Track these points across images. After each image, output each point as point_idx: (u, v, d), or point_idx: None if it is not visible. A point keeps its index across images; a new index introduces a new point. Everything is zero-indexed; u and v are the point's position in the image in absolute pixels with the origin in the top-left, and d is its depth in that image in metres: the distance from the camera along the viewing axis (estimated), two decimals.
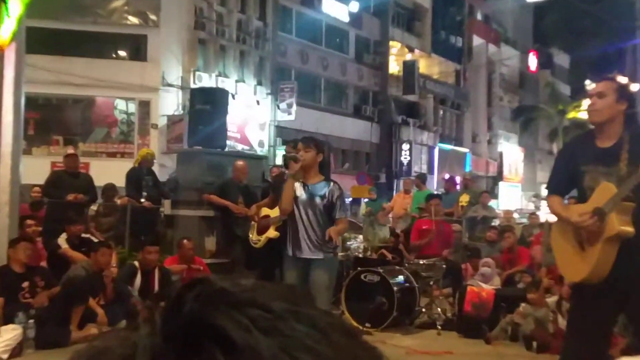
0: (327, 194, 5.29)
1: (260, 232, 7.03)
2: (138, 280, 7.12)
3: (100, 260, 6.92)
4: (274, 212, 6.85)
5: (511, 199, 37.04)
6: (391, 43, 31.04)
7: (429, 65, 33.44)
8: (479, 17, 38.09)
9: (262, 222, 7.01)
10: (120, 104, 21.41)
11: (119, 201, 9.81)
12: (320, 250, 5.29)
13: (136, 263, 7.29)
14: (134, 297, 6.94)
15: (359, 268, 7.94)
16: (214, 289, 0.49)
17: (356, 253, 9.57)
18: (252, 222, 7.25)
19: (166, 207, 9.59)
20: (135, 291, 7.04)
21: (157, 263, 7.30)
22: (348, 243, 10.01)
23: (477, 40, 36.95)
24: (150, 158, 9.78)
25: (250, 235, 7.21)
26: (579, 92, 39.25)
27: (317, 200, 5.30)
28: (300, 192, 5.35)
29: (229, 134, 15.95)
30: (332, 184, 5.35)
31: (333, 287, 5.65)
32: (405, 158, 30.62)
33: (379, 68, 30.35)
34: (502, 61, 39.14)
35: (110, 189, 9.92)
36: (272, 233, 6.85)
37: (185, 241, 7.84)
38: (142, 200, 9.54)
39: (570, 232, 3.54)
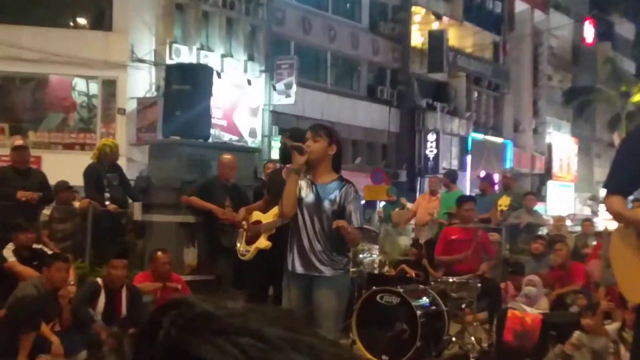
0: (337, 198, 5.30)
1: (250, 241, 7.03)
2: (101, 301, 7.13)
3: (55, 277, 6.94)
4: (268, 217, 6.85)
5: (562, 201, 36.99)
6: (414, 9, 31.01)
7: (460, 36, 33.41)
8: None
9: (253, 229, 7.01)
10: (80, 84, 21.43)
11: (77, 204, 9.82)
12: (327, 266, 5.29)
13: (99, 280, 7.31)
14: (96, 322, 6.96)
15: (374, 287, 7.94)
16: (195, 312, 0.49)
17: (370, 268, 9.57)
18: (240, 229, 7.26)
19: (136, 212, 9.60)
20: (97, 315, 7.06)
21: (125, 280, 7.32)
22: (360, 256, 9.99)
23: (520, 5, 36.88)
24: (110, 151, 9.80)
25: (238, 245, 7.21)
26: None
27: (326, 204, 5.30)
28: (306, 192, 5.36)
29: (213, 121, 15.97)
30: (345, 184, 5.35)
31: (343, 312, 5.64)
32: (431, 151, 30.59)
33: (398, 40, 30.34)
34: (551, 31, 39.05)
35: (63, 188, 9.93)
36: (262, 243, 6.84)
37: (159, 254, 7.85)
38: (107, 202, 9.54)
39: (635, 241, 3.53)
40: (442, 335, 7.76)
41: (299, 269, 5.33)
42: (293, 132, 6.58)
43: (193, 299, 0.51)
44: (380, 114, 29.32)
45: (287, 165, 6.52)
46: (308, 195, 5.34)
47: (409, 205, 15.03)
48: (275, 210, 6.62)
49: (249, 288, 7.55)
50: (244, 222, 7.11)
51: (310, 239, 5.31)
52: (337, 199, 5.29)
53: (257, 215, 7.04)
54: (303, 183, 5.38)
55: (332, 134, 5.40)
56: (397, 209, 14.08)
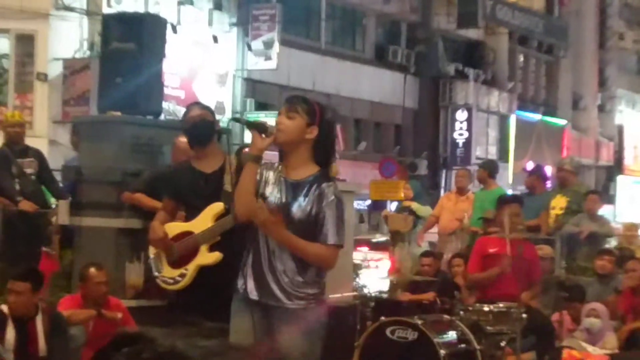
0: (309, 201, 5.16)
1: (180, 262, 6.89)
2: (11, 334, 7.11)
3: None
4: (203, 222, 6.69)
5: (637, 203, 37.02)
6: None
7: None
8: None
9: (181, 245, 6.87)
10: None
11: None
12: (290, 294, 5.17)
13: (4, 307, 7.27)
14: None
15: (382, 318, 7.95)
16: (158, 351, 0.49)
17: (378, 292, 9.56)
18: (155, 251, 7.07)
19: (62, 213, 9.59)
20: (8, 352, 7.04)
21: (42, 306, 7.28)
22: (361, 275, 10.00)
23: None
24: (7, 122, 9.78)
25: (158, 274, 7.06)
26: None
27: (295, 209, 5.18)
28: (271, 189, 5.24)
29: (166, 91, 15.85)
30: (322, 183, 5.19)
31: (317, 358, 5.49)
32: (461, 134, 30.56)
33: None
34: None
35: None
36: (207, 257, 6.70)
37: (92, 270, 7.83)
38: (19, 199, 9.51)
39: None
40: None
41: (253, 293, 5.22)
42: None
43: (153, 333, 0.51)
44: (393, 84, 29.28)
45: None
46: (274, 194, 5.22)
47: (416, 206, 14.88)
48: (214, 209, 6.53)
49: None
50: (164, 239, 6.82)
51: (270, 253, 5.17)
52: (309, 204, 5.16)
53: (176, 228, 6.85)
54: (271, 176, 5.26)
55: (315, 111, 5.21)
56: (386, 212, 14.08)
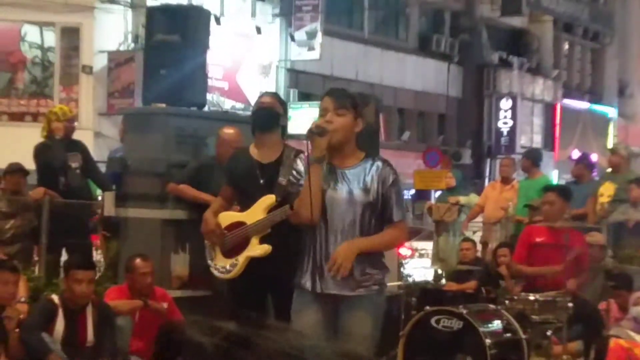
0: (372, 184, 5.29)
1: (231, 252, 6.92)
2: (60, 324, 7.17)
3: None
4: (254, 214, 6.71)
5: None
6: None
7: None
8: None
9: (233, 235, 6.89)
10: (31, 33, 21.50)
11: (31, 194, 9.89)
12: (360, 283, 5.29)
13: (54, 297, 7.33)
14: (53, 353, 6.99)
15: (427, 307, 7.93)
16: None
17: (423, 282, 9.55)
18: (207, 242, 7.12)
19: (107, 205, 9.66)
20: (56, 342, 7.10)
21: (91, 297, 7.33)
22: (406, 265, 10.00)
23: None
24: (57, 120, 9.86)
25: (211, 262, 7.11)
26: None
27: (357, 195, 5.30)
28: (329, 183, 5.34)
29: (210, 83, 15.93)
30: (380, 163, 5.37)
31: (377, 342, 5.62)
32: (506, 123, 30.41)
33: None
34: None
35: (13, 173, 10.01)
36: (257, 248, 6.74)
37: (138, 261, 7.87)
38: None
39: None
40: None
41: (331, 287, 5.30)
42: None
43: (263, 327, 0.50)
44: (437, 73, 29.20)
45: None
46: (333, 188, 5.32)
47: (464, 199, 14.76)
48: (266, 201, 6.56)
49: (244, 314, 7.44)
50: (217, 230, 6.88)
51: (338, 245, 5.27)
52: (373, 186, 5.29)
53: (230, 217, 6.88)
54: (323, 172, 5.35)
55: (358, 104, 5.44)
56: (431, 203, 14.06)
